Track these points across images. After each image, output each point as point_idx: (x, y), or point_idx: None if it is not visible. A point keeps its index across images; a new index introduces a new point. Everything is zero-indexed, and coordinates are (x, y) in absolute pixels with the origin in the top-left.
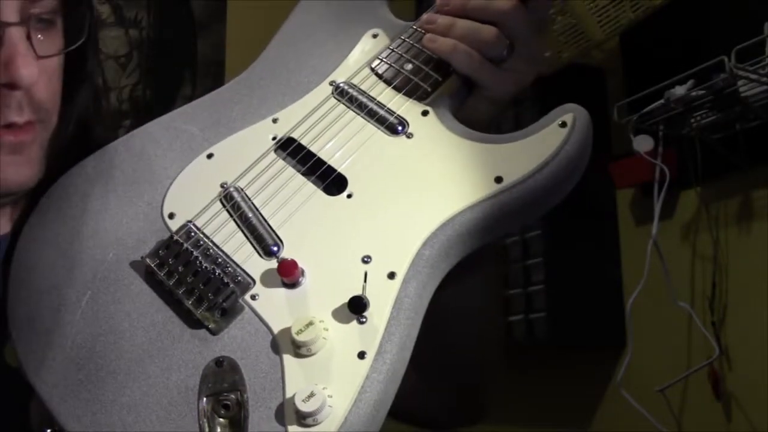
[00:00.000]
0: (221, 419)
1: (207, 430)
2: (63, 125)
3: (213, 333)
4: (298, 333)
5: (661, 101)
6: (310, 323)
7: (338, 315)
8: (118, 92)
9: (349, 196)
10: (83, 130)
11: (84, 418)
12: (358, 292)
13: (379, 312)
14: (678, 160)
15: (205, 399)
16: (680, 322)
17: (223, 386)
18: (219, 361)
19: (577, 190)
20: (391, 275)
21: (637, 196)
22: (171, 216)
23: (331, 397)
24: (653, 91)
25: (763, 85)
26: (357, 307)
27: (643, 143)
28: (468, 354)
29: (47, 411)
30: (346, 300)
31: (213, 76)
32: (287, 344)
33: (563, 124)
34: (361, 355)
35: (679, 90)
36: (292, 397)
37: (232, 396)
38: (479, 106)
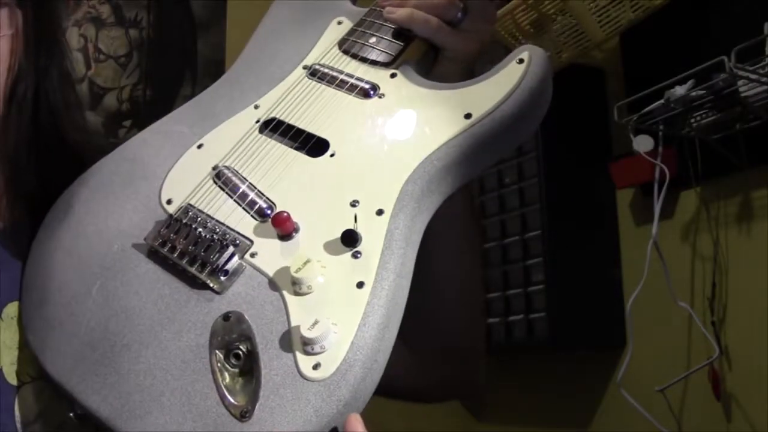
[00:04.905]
0: (234, 369)
1: (220, 380)
2: (11, 149)
3: (218, 292)
4: (296, 271)
5: (661, 101)
6: (308, 261)
7: (333, 252)
8: (118, 92)
9: (332, 155)
10: (56, 140)
11: (103, 390)
12: None
13: (371, 245)
14: (678, 160)
15: (216, 352)
16: (680, 322)
17: (232, 337)
18: (226, 316)
19: (578, 189)
20: (380, 212)
21: (637, 196)
22: (169, 202)
23: (336, 324)
24: (653, 91)
25: (763, 85)
26: (350, 239)
27: (643, 143)
28: (452, 317)
29: (67, 396)
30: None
31: (213, 76)
32: (288, 286)
33: (520, 61)
34: (360, 285)
35: (679, 90)
36: (297, 327)
37: (242, 346)
38: (446, 67)
